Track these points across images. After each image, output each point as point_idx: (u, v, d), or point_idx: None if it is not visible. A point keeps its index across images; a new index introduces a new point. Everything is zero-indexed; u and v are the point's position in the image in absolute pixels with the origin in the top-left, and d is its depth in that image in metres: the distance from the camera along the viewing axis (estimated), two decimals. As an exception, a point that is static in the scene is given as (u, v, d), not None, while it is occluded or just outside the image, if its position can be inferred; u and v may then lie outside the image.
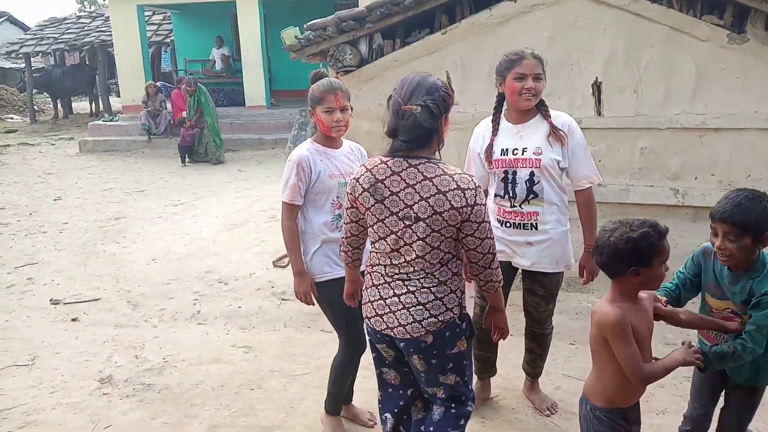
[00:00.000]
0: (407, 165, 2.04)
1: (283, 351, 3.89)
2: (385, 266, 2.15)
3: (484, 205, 2.04)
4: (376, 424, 3.06)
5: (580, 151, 2.85)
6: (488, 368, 3.24)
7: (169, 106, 12.22)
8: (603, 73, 4.79)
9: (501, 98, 2.91)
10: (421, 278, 2.08)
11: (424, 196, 2.00)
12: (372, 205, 2.10)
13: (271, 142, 11.60)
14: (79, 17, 18.46)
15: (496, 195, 2.91)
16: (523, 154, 2.81)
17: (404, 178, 2.04)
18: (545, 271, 2.93)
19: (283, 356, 3.81)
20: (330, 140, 2.76)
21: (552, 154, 2.80)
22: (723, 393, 2.49)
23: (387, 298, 2.14)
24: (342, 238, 2.36)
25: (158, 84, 13.11)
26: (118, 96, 16.03)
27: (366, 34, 5.05)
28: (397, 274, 2.12)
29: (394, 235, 2.08)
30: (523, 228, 2.86)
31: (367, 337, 2.75)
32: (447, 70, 4.96)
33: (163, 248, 6.06)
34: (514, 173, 2.82)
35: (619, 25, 4.66)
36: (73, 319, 4.54)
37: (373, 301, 2.19)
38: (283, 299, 4.68)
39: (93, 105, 18.01)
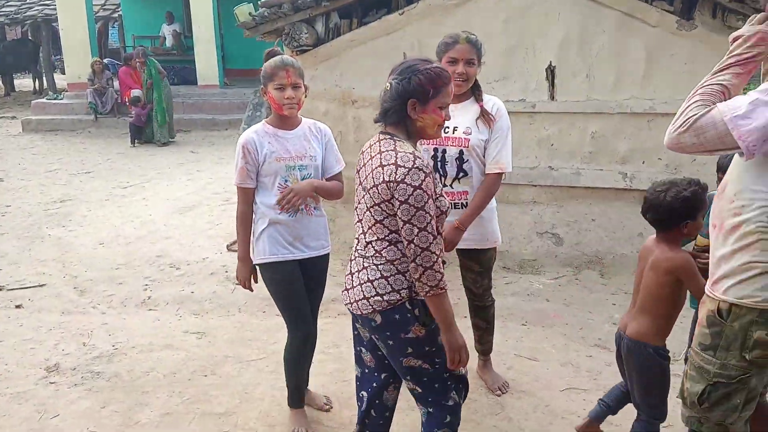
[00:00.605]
0: (377, 139, 2.09)
1: (237, 336, 3.84)
2: (356, 240, 2.19)
3: (416, 188, 1.92)
4: (331, 408, 3.06)
5: (502, 136, 2.92)
6: None
7: (116, 84, 11.81)
8: (557, 58, 4.85)
9: None
10: (371, 255, 2.10)
11: (372, 168, 2.03)
12: (356, 173, 2.18)
13: (224, 122, 11.36)
14: (20, -11, 17.57)
15: None
16: (453, 133, 2.89)
17: (371, 150, 2.08)
18: (478, 248, 3.05)
19: (237, 341, 3.77)
20: (283, 121, 2.70)
21: (480, 135, 2.88)
22: None
23: (352, 273, 2.17)
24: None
25: (105, 61, 12.66)
26: (63, 73, 15.42)
27: (322, 13, 4.98)
28: (357, 250, 2.16)
29: (359, 207, 2.14)
30: (455, 207, 2.91)
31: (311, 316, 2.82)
32: (404, 51, 4.93)
33: (111, 232, 5.88)
34: (444, 151, 2.89)
35: (573, 10, 4.71)
36: (17, 306, 4.37)
37: (346, 275, 2.22)
38: (237, 284, 4.60)
39: (36, 82, 17.25)
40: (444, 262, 2.06)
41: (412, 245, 1.96)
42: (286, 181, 2.67)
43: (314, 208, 2.77)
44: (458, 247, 3.01)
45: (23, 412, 3.12)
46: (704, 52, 4.65)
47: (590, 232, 4.92)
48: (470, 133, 2.87)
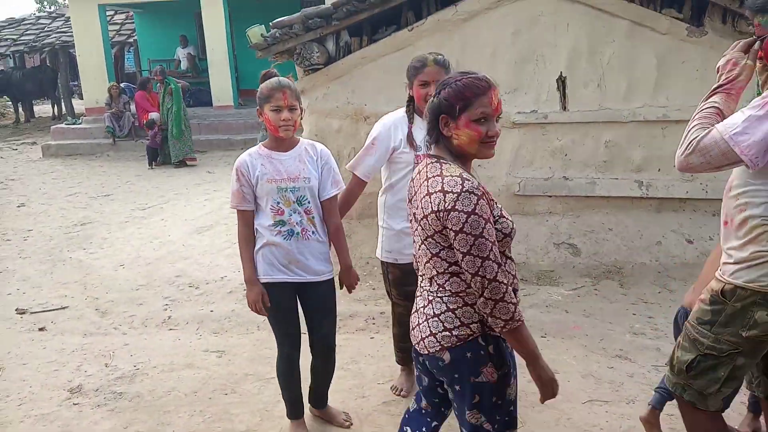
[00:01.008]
0: (423, 164, 1.93)
1: (256, 354, 3.86)
2: (419, 275, 2.04)
3: (470, 213, 1.76)
4: (351, 424, 3.06)
5: None
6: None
7: (133, 107, 12.00)
8: (567, 68, 4.86)
9: (411, 98, 2.98)
10: (435, 289, 1.92)
11: (421, 197, 1.87)
12: (408, 205, 2.05)
13: (239, 142, 11.46)
14: (39, 17, 18.00)
15: None
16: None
17: (420, 177, 1.92)
18: None
19: (257, 359, 3.78)
20: (278, 142, 2.69)
21: None
22: None
23: (417, 310, 2.01)
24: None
25: (121, 85, 12.89)
26: (81, 98, 15.70)
27: (333, 32, 5.04)
28: (423, 285, 2.00)
29: (415, 240, 1.98)
30: None
31: (299, 338, 2.85)
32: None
33: (131, 253, 5.96)
34: None
35: (582, 20, 4.73)
36: (41, 329, 4.44)
37: (413, 312, 2.04)
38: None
39: (55, 108, 17.58)
40: (516, 291, 1.89)
41: (477, 278, 1.77)
42: (278, 203, 2.65)
43: (312, 233, 2.72)
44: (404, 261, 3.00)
45: (48, 433, 3.16)
46: (715, 57, 4.59)
47: (608, 241, 4.89)
48: None
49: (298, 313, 2.85)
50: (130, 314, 4.62)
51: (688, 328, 2.16)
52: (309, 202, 2.70)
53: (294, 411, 2.97)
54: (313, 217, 2.72)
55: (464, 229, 1.76)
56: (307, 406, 3.06)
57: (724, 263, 2.07)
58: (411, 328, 2.02)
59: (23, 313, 4.72)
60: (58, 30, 15.93)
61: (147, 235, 6.55)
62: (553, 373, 1.92)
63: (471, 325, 1.87)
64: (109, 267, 5.63)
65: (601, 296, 4.46)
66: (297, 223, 2.68)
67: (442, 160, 1.88)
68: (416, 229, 1.94)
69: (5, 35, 16.02)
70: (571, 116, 4.92)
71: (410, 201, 1.98)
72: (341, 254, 2.84)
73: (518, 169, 5.05)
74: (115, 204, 8.07)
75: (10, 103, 17.93)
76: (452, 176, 1.81)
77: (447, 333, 1.88)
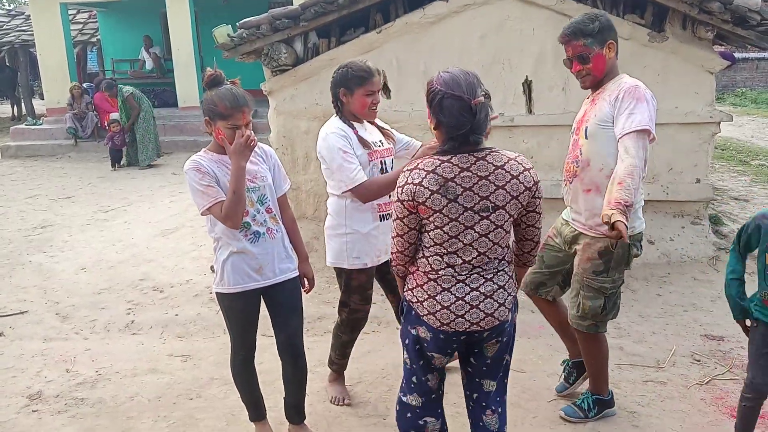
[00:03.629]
0: (474, 159, 2.06)
1: (223, 358, 3.79)
2: (454, 266, 2.13)
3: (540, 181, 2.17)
4: None
5: None
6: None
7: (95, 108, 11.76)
8: (533, 72, 4.93)
9: (340, 103, 3.01)
10: (496, 263, 2.16)
11: (500, 185, 2.06)
12: (444, 206, 2.06)
13: (206, 143, 11.13)
14: (-3, 15, 17.49)
15: None
16: (384, 145, 3.06)
17: (475, 172, 2.05)
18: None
19: (223, 363, 3.70)
20: (225, 149, 2.56)
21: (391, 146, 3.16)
22: None
23: (465, 297, 2.13)
24: (396, 252, 2.23)
25: (84, 85, 12.57)
26: (42, 98, 15.30)
27: (301, 33, 5.02)
28: (473, 269, 2.14)
29: (471, 231, 2.08)
30: (387, 219, 3.05)
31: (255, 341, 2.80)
32: (383, 69, 4.98)
33: (93, 257, 5.83)
34: (384, 162, 3.03)
35: (548, 25, 4.80)
36: (-2, 334, 4.31)
37: (449, 306, 2.14)
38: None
39: (15, 108, 17.08)
40: None
41: (540, 230, 2.23)
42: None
43: (276, 231, 2.70)
44: (374, 264, 3.08)
45: (5, 442, 3.06)
46: (676, 61, 4.76)
47: (572, 242, 4.96)
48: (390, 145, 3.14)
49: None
50: (92, 319, 4.52)
51: (588, 282, 2.81)
52: (269, 201, 2.68)
53: (256, 413, 2.94)
54: (274, 215, 2.71)
55: (542, 194, 2.18)
56: (285, 423, 3.01)
57: (599, 224, 2.67)
58: (457, 315, 2.14)
59: (-21, 318, 4.57)
60: (18, 28, 15.50)
61: (109, 238, 6.41)
62: None
63: (515, 283, 2.24)
64: (70, 270, 5.50)
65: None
66: (262, 223, 2.65)
67: (494, 148, 2.11)
68: (476, 220, 2.08)
69: (-39, 33, 15.52)
70: (537, 119, 4.99)
71: (453, 201, 2.06)
72: (299, 246, 2.86)
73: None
74: (76, 206, 7.88)
75: (-33, 102, 17.39)
76: (518, 155, 2.13)
77: (510, 297, 2.20)
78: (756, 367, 2.59)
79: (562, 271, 3.10)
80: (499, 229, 2.11)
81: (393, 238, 2.21)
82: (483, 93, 2.06)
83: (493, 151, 2.09)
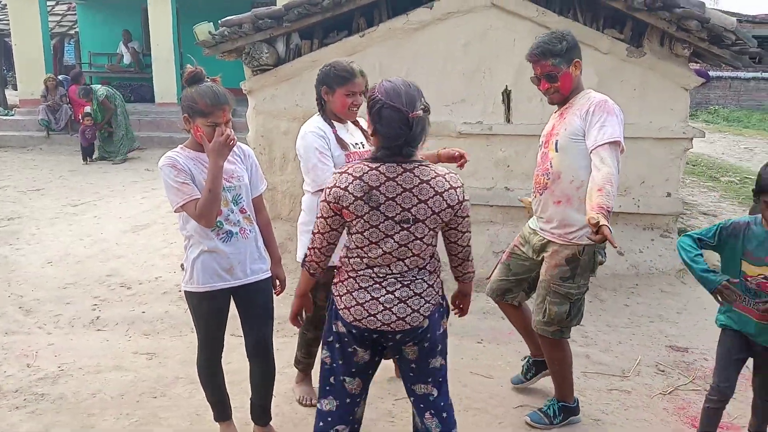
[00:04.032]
0: (402, 170, 2.08)
1: (189, 357, 3.72)
2: (373, 268, 2.17)
3: (467, 200, 2.18)
4: None
5: None
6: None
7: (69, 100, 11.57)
8: (513, 82, 4.97)
9: (322, 101, 3.02)
10: (416, 272, 2.18)
11: (423, 199, 2.08)
12: (366, 213, 2.09)
13: (182, 140, 10.92)
14: (-28, 3, 17.10)
15: None
16: (364, 148, 3.03)
17: (400, 183, 2.07)
18: None
19: (190, 362, 3.63)
20: (203, 146, 2.53)
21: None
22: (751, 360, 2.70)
23: (379, 297, 2.16)
24: (314, 248, 2.26)
25: (60, 77, 12.36)
26: (15, 89, 15.00)
27: (283, 33, 4.99)
28: (391, 274, 2.17)
29: (390, 239, 2.11)
30: None
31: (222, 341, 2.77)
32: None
33: (60, 250, 5.70)
34: None
35: (529, 36, 4.83)
36: (-43, 327, 4.18)
37: (363, 303, 2.18)
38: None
39: (-14, 97, 16.72)
40: None
41: (468, 248, 2.28)
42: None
43: (250, 231, 2.66)
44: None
45: (-41, 436, 2.97)
46: (653, 77, 4.85)
47: (545, 252, 5.00)
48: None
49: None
50: (56, 313, 4.41)
51: (554, 288, 2.88)
52: (243, 201, 2.64)
53: (221, 413, 2.89)
54: (248, 216, 2.67)
55: (468, 214, 2.20)
56: (250, 424, 2.97)
57: (568, 233, 2.85)
58: (370, 313, 2.18)
59: (-62, 309, 4.44)
60: (-7, 16, 15.21)
61: (78, 232, 6.29)
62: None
63: (439, 291, 2.28)
64: (36, 264, 5.37)
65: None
66: (235, 222, 2.61)
67: (424, 163, 2.13)
68: (397, 230, 2.10)
69: (-66, 18, 15.16)
70: (516, 128, 5.03)
71: (375, 209, 2.08)
72: (272, 248, 2.81)
73: (462, 178, 5.08)
74: (46, 199, 7.72)
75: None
76: (448, 173, 2.14)
77: (428, 305, 2.21)
78: (723, 372, 2.65)
79: (528, 278, 3.16)
80: (418, 241, 2.13)
81: (313, 234, 2.25)
82: (422, 107, 2.06)
83: (422, 165, 2.10)
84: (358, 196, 2.08)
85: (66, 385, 3.45)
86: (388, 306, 2.16)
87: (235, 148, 2.64)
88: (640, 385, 3.50)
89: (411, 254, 2.14)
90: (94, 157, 10.35)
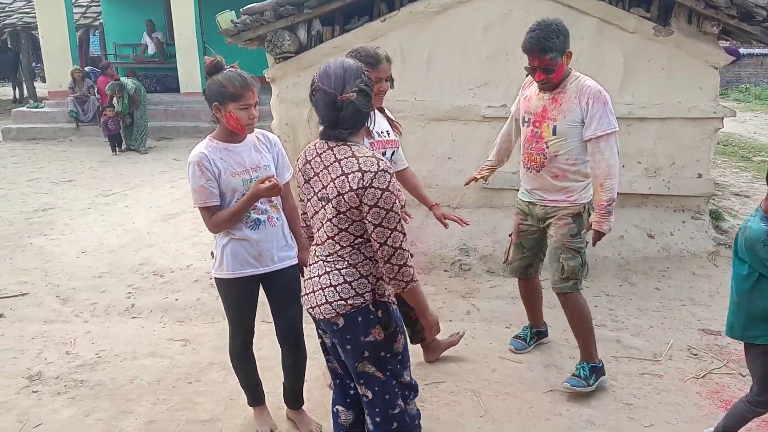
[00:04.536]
0: (326, 147, 2.08)
1: (221, 343, 3.80)
2: (314, 246, 2.22)
3: (387, 191, 1.96)
4: None
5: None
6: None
7: (97, 92, 11.72)
8: (537, 63, 4.89)
9: None
10: (334, 260, 2.11)
11: (333, 178, 2.02)
12: (302, 185, 2.16)
13: (207, 129, 11.22)
14: (-1, -3, 17.39)
15: None
16: (388, 136, 3.06)
17: (323, 160, 2.07)
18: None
19: (222, 348, 3.72)
20: (232, 134, 2.60)
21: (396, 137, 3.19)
22: None
23: (312, 277, 2.19)
24: (301, 214, 2.37)
25: (86, 69, 12.53)
26: (44, 81, 15.26)
27: (305, 20, 5.00)
28: (319, 255, 2.17)
29: (316, 215, 2.14)
30: None
31: (253, 327, 2.85)
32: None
33: (93, 240, 5.84)
34: (384, 154, 3.04)
35: (552, 16, 4.76)
36: (-2, 316, 4.33)
37: (306, 279, 2.24)
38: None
39: (16, 91, 17.04)
40: (411, 255, 2.10)
41: (386, 246, 1.99)
42: (244, 195, 2.58)
43: (277, 219, 2.71)
44: None
45: (5, 422, 3.08)
46: (681, 56, 4.75)
47: (572, 235, 4.97)
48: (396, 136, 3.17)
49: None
50: (92, 302, 4.53)
51: (567, 244, 3.14)
52: None
53: (254, 397, 2.96)
54: (275, 204, 2.72)
55: (378, 204, 1.96)
56: (283, 408, 3.04)
57: (570, 197, 3.16)
58: (306, 292, 2.21)
59: (-20, 299, 4.59)
60: (20, 10, 15.42)
61: (110, 222, 6.42)
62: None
63: (364, 295, 2.10)
64: (70, 254, 5.51)
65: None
66: (263, 211, 2.66)
67: (350, 142, 2.05)
68: (321, 208, 2.09)
69: (-37, 14, 15.45)
70: (540, 111, 4.97)
71: (308, 181, 2.12)
72: (299, 235, 2.84)
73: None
74: (77, 190, 7.88)
75: (-31, 84, 17.36)
76: (366, 157, 2.00)
77: (342, 302, 2.09)
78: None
79: (541, 248, 3.44)
80: (329, 222, 2.06)
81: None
82: (355, 89, 2.00)
83: (345, 145, 2.04)
84: (300, 166, 2.16)
85: (104, 371, 3.55)
86: (314, 288, 2.16)
87: (261, 137, 2.71)
88: (673, 369, 3.48)
89: (326, 236, 2.09)
90: (122, 147, 10.50)
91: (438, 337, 3.42)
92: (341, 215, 2.03)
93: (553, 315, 4.11)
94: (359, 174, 1.96)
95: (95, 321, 4.25)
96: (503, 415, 3.06)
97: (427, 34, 4.98)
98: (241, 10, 4.99)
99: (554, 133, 3.10)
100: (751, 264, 2.38)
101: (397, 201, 2.00)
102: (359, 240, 2.06)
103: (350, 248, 2.08)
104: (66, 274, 5.04)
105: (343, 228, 2.05)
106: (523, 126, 3.28)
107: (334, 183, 2.01)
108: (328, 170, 2.04)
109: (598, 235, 3.08)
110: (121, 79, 10.65)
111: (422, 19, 4.95)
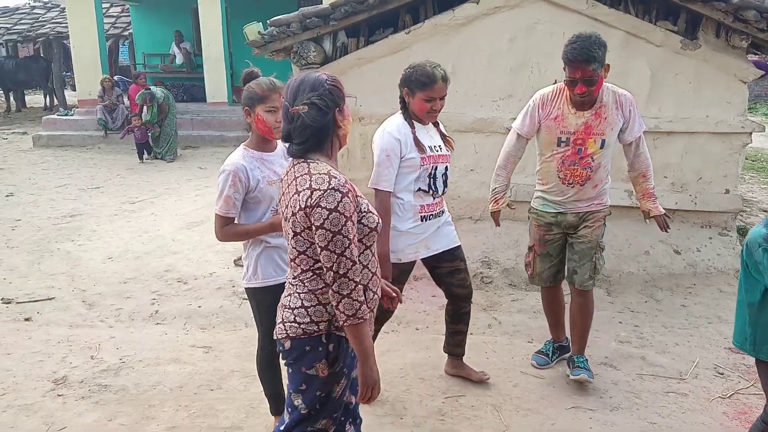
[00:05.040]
0: (291, 164, 2.01)
1: (243, 350, 3.85)
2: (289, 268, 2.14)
3: (332, 210, 1.84)
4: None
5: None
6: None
7: (126, 100, 11.94)
8: (562, 76, 4.87)
9: (404, 101, 3.08)
10: (295, 283, 2.02)
11: (290, 196, 1.95)
12: (279, 199, 2.11)
13: (232, 139, 11.42)
14: (33, 7, 17.82)
15: (419, 190, 3.06)
16: (441, 151, 3.09)
17: (287, 177, 2.01)
18: (457, 244, 3.30)
19: (244, 356, 3.78)
20: (266, 143, 2.66)
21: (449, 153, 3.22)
22: None
23: (283, 296, 2.12)
24: None
25: (115, 78, 12.79)
26: (74, 90, 15.60)
27: (330, 32, 5.05)
28: (288, 276, 2.10)
29: (286, 230, 2.05)
30: (436, 216, 3.17)
31: None
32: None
33: (120, 246, 5.93)
34: (436, 168, 3.07)
35: (578, 29, 4.71)
36: (26, 319, 4.41)
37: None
38: (244, 298, 4.63)
39: (47, 98, 17.45)
40: (370, 289, 1.99)
41: (331, 272, 1.87)
42: (278, 203, 2.63)
43: None
44: (441, 249, 3.20)
45: (30, 424, 3.14)
46: (708, 70, 4.69)
47: (596, 249, 4.92)
48: (449, 151, 3.19)
49: None
50: (117, 307, 4.60)
51: (600, 244, 3.31)
52: None
53: (277, 406, 2.97)
54: None
55: (324, 225, 1.84)
56: None
57: (602, 201, 3.33)
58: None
59: (9, 302, 4.69)
60: (53, 20, 15.83)
61: (136, 228, 6.52)
62: (378, 376, 2.00)
63: (319, 324, 1.98)
64: (97, 259, 5.60)
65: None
66: None
67: (309, 160, 1.95)
68: (287, 227, 2.00)
69: (-1, 24, 15.90)
70: (565, 124, 4.94)
71: (284, 192, 2.02)
72: None
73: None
74: (105, 197, 8.03)
75: (2, 92, 17.78)
76: (320, 174, 1.89)
77: (295, 325, 1.99)
78: None
79: (565, 253, 3.47)
80: (293, 242, 1.96)
81: None
82: (306, 102, 1.90)
83: (305, 162, 1.94)
84: (279, 181, 2.14)
85: (127, 376, 3.60)
86: (282, 306, 2.07)
87: (286, 147, 2.73)
88: (698, 388, 3.42)
89: (293, 256, 1.99)
90: (149, 155, 10.67)
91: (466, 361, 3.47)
92: (297, 236, 1.93)
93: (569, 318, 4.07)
94: (308, 192, 1.86)
95: (120, 326, 4.31)
96: (525, 431, 3.03)
97: (452, 47, 5.00)
98: (267, 21, 5.06)
99: (602, 147, 3.20)
100: (750, 269, 2.33)
101: (348, 223, 1.85)
102: (318, 264, 1.93)
103: (310, 273, 1.96)
104: (92, 280, 5.13)
105: (301, 251, 1.95)
106: (559, 146, 3.25)
107: (290, 201, 1.94)
108: (289, 188, 1.97)
109: (663, 219, 3.31)
110: (151, 88, 10.84)
111: (447, 32, 4.97)
